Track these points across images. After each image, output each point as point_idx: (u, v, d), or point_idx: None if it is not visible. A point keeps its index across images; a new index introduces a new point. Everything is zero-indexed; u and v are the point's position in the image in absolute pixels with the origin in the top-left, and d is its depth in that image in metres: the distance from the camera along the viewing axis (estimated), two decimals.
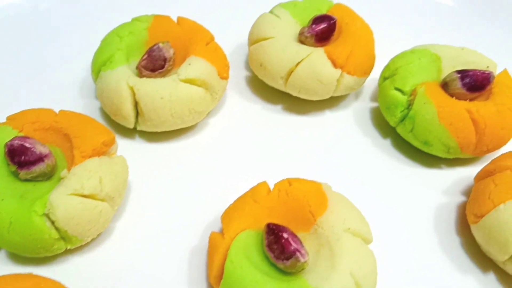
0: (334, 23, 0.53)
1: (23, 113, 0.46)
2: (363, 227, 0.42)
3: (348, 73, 0.52)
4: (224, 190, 0.48)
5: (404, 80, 0.51)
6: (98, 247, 0.45)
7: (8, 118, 0.46)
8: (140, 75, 0.50)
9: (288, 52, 0.52)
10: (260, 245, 0.40)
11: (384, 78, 0.54)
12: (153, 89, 0.48)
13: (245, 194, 0.44)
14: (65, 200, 0.40)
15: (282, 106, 0.57)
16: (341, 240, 0.40)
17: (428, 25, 0.68)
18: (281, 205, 0.42)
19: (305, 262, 0.38)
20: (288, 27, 0.55)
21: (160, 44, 0.50)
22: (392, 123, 0.53)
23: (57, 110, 0.47)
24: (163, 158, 0.52)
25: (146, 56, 0.50)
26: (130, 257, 0.45)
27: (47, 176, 0.42)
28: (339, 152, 0.54)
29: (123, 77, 0.49)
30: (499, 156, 0.48)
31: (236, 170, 0.51)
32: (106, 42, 0.52)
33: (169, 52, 0.50)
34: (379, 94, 0.54)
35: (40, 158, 0.41)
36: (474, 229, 0.45)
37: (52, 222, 0.40)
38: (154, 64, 0.50)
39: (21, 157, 0.41)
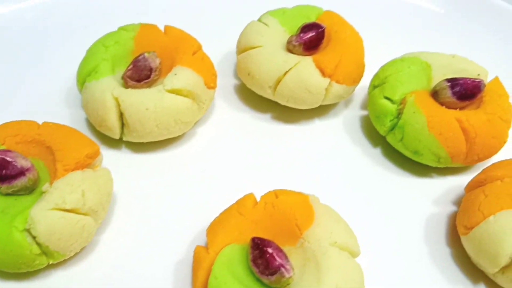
0: (323, 31, 0.53)
1: (5, 125, 0.45)
2: (350, 240, 0.41)
3: (337, 82, 0.52)
4: (211, 201, 0.48)
5: (393, 89, 0.51)
6: (82, 261, 0.44)
7: None
8: (126, 85, 0.49)
9: (275, 61, 0.51)
10: (245, 260, 0.40)
11: (373, 86, 0.53)
12: (138, 100, 0.47)
13: (231, 206, 0.43)
14: (46, 215, 0.39)
15: (271, 115, 0.57)
16: (327, 254, 0.39)
17: (419, 32, 0.67)
18: (267, 218, 0.42)
19: (290, 277, 0.37)
20: (277, 36, 0.55)
21: (146, 54, 0.49)
22: (382, 132, 0.52)
23: (44, 120, 0.46)
24: (149, 169, 0.51)
25: (131, 66, 0.49)
26: (114, 270, 0.44)
27: (29, 190, 0.42)
28: (329, 161, 0.53)
29: (108, 88, 0.48)
30: (490, 166, 0.47)
31: (224, 180, 0.51)
32: (91, 52, 0.52)
33: (155, 62, 0.50)
34: (368, 103, 0.54)
35: (22, 172, 0.41)
36: (464, 241, 0.44)
37: (33, 238, 0.39)
38: (140, 74, 0.49)
39: (2, 171, 0.40)
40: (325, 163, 0.53)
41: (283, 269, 0.37)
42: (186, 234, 0.46)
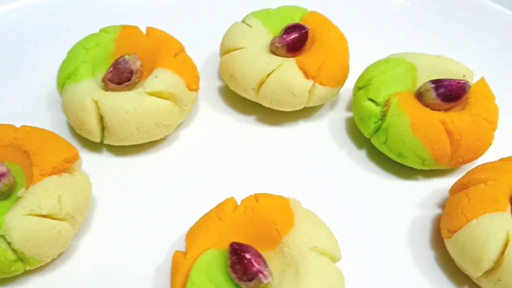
0: (306, 32, 0.52)
1: None
2: (331, 244, 0.40)
3: (321, 83, 0.51)
4: (193, 205, 0.47)
5: (377, 91, 0.50)
6: (60, 266, 0.44)
7: None
8: (106, 88, 0.49)
9: (258, 63, 0.51)
10: (224, 265, 0.39)
11: (358, 88, 0.53)
12: (118, 103, 0.47)
13: (211, 211, 0.42)
14: (21, 221, 0.39)
15: (255, 117, 0.56)
16: (307, 259, 0.38)
17: (405, 32, 0.67)
18: (247, 222, 0.41)
19: (268, 283, 0.37)
20: (260, 37, 0.54)
21: (126, 56, 0.49)
22: (366, 134, 0.51)
23: (24, 124, 0.46)
24: (130, 173, 0.50)
25: (111, 68, 0.49)
26: (93, 276, 0.43)
27: (5, 195, 0.41)
28: (314, 164, 0.52)
29: (88, 90, 0.47)
30: (474, 168, 0.47)
31: (207, 184, 0.50)
32: (71, 54, 0.51)
33: (135, 64, 0.49)
34: (353, 105, 0.53)
35: None
36: (448, 244, 0.44)
37: (8, 244, 0.39)
38: (120, 77, 0.48)
39: None
40: (310, 166, 0.52)
41: (261, 275, 0.36)
42: (167, 239, 0.46)
